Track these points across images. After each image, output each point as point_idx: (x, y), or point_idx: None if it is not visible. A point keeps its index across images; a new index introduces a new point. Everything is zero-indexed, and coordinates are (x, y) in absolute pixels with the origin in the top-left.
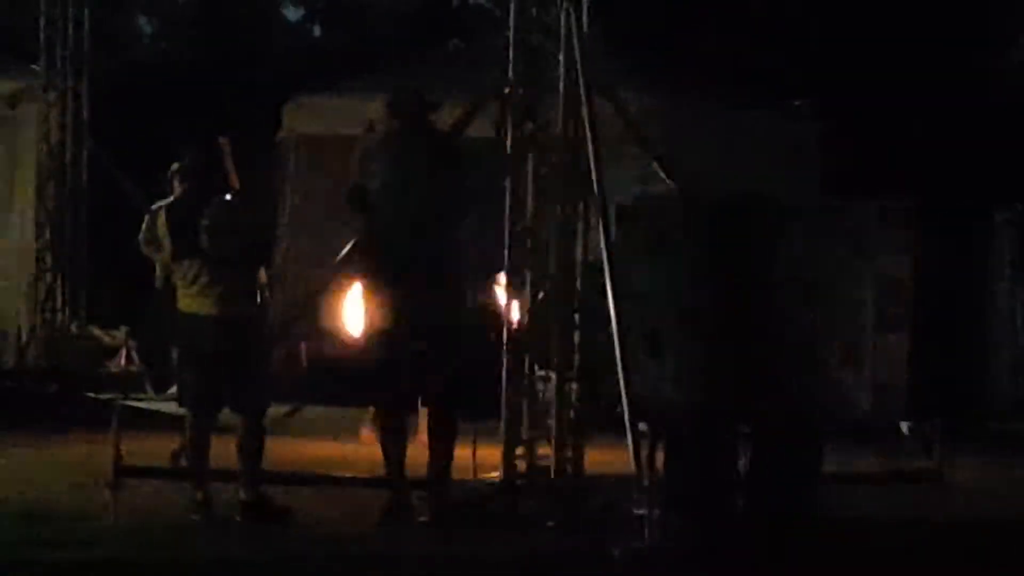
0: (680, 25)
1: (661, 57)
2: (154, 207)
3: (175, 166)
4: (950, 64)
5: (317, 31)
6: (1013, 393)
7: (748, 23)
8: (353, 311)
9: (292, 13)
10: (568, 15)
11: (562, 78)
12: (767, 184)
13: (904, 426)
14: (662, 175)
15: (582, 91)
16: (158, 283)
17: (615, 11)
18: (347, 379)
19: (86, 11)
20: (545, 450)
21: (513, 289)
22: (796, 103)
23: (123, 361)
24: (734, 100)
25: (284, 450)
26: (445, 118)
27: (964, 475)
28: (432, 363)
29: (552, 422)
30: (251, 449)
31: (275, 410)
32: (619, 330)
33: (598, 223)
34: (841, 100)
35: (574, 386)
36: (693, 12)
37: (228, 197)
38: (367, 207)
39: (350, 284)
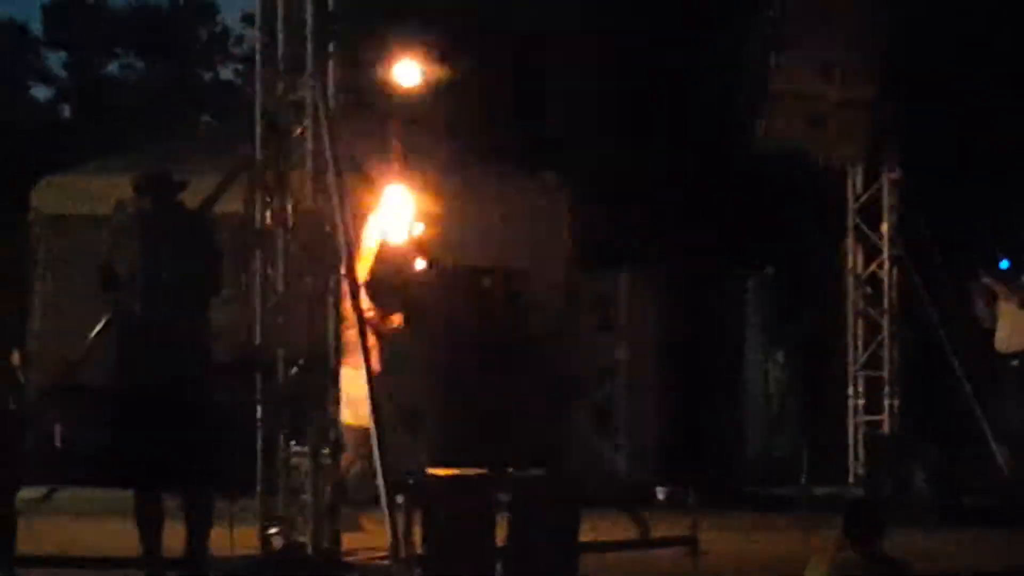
0: (431, 96)
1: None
2: None
3: None
4: (692, 133)
5: (67, 111)
6: (766, 455)
7: (499, 94)
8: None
9: (41, 92)
10: (314, 90)
11: (310, 154)
12: (518, 254)
13: (660, 491)
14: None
15: (329, 166)
16: None
17: (362, 86)
18: (102, 459)
19: None
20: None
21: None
22: (542, 174)
23: None
24: (486, 171)
25: (40, 533)
26: (196, 195)
27: (718, 539)
28: (185, 441)
29: (308, 498)
30: (4, 532)
31: (30, 492)
32: (376, 405)
33: (350, 297)
34: (588, 170)
35: (330, 461)
36: (446, 84)
37: None
38: (118, 285)
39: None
